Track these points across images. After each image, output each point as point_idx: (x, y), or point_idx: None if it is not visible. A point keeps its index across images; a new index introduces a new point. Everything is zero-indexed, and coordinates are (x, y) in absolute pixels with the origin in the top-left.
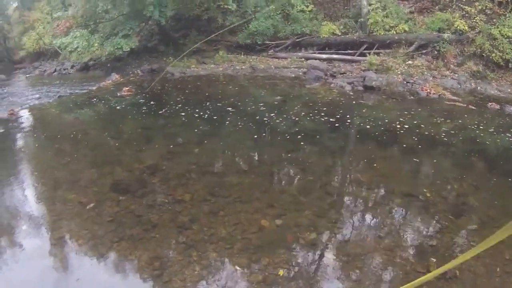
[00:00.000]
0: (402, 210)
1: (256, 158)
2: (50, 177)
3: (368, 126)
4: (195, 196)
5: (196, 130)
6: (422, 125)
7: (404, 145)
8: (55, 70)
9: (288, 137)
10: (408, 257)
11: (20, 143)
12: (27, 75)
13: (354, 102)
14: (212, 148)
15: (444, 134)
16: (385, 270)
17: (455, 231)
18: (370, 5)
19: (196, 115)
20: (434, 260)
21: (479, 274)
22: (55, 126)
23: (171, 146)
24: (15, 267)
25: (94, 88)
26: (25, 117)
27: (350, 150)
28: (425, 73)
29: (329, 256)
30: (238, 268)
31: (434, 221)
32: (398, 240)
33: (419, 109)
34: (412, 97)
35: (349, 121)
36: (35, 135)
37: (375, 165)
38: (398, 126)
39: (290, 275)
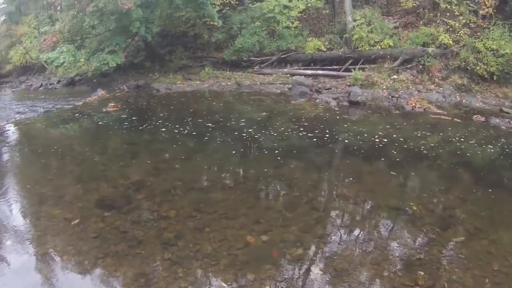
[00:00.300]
0: (389, 224)
1: (242, 174)
2: (35, 192)
3: (353, 141)
4: (181, 212)
5: (181, 146)
6: (407, 139)
7: (390, 159)
8: (41, 85)
9: (273, 152)
10: (396, 270)
11: (5, 157)
12: (13, 89)
13: (339, 117)
14: (197, 164)
15: (430, 147)
16: (373, 285)
17: (443, 243)
18: (355, 21)
19: (182, 131)
20: (422, 273)
21: (468, 286)
22: (40, 141)
23: (157, 162)
24: None
25: (79, 103)
26: (11, 131)
27: (335, 165)
28: (410, 87)
29: (316, 271)
30: (224, 284)
31: (421, 234)
32: (385, 254)
33: (405, 123)
34: (397, 112)
35: (334, 136)
36: (20, 150)
37: (361, 179)
38: (384, 140)
39: None
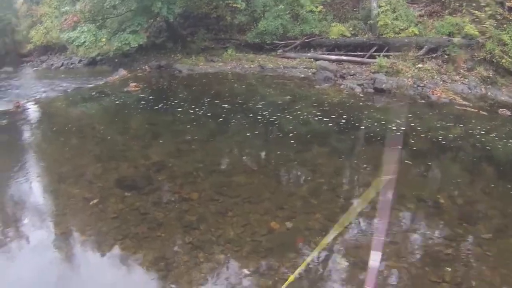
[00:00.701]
0: (415, 216)
1: (264, 158)
2: (55, 171)
3: (378, 129)
4: (203, 195)
5: (203, 128)
6: (433, 129)
7: (415, 149)
8: (62, 64)
9: (296, 137)
10: (422, 265)
11: (25, 135)
12: (34, 68)
13: (363, 104)
14: (219, 147)
15: (454, 139)
16: (398, 279)
17: (470, 239)
18: (379, 7)
19: (203, 113)
20: (449, 269)
21: (495, 285)
22: (61, 120)
23: (178, 143)
24: (17, 259)
25: (101, 83)
26: (31, 109)
27: (359, 152)
28: (435, 77)
29: (340, 261)
30: (246, 271)
31: (448, 228)
32: (411, 247)
33: (430, 113)
34: (423, 101)
35: (359, 123)
36: (40, 128)
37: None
38: (409, 129)
39: (301, 280)
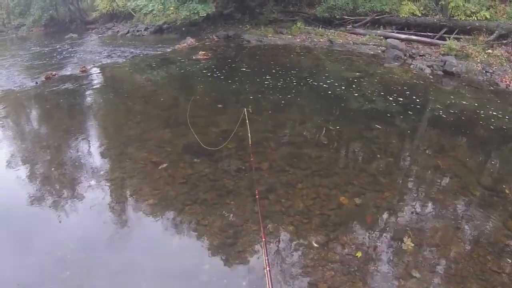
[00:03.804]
0: (481, 204)
1: (333, 132)
2: (122, 134)
3: (447, 113)
4: (273, 165)
5: (271, 98)
6: (503, 118)
7: (484, 137)
8: (128, 32)
9: (364, 114)
10: (485, 254)
11: (91, 99)
12: (99, 35)
13: (432, 86)
14: (288, 118)
15: None
16: (461, 264)
17: None
18: None
19: (272, 84)
20: (510, 261)
21: None
22: (127, 85)
23: (248, 113)
24: (84, 218)
25: (169, 50)
26: (97, 74)
27: (427, 134)
28: (504, 64)
29: (407, 243)
30: (315, 245)
31: None
32: (476, 235)
33: (498, 101)
34: (491, 88)
35: (429, 105)
36: (106, 92)
37: (453, 153)
38: (477, 116)
39: (368, 258)
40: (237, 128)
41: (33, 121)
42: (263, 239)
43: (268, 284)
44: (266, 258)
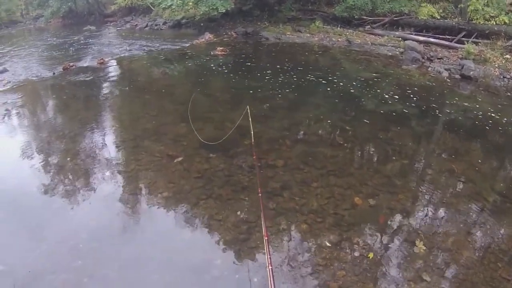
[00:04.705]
0: (494, 210)
1: (349, 132)
2: (139, 127)
3: (463, 117)
4: (288, 163)
5: (288, 96)
6: None
7: (499, 143)
8: (146, 25)
9: (381, 115)
10: (496, 260)
11: (108, 91)
12: (117, 28)
13: (450, 90)
14: (304, 116)
15: None
16: (472, 270)
17: None
18: None
19: (289, 82)
20: None
21: None
22: (144, 78)
23: (263, 110)
24: (98, 208)
25: (187, 45)
26: (115, 67)
27: (442, 138)
28: None
29: (420, 246)
30: (328, 243)
31: None
32: (488, 241)
33: None
34: (508, 94)
35: (445, 109)
36: (123, 85)
37: (467, 157)
38: (493, 121)
39: (380, 259)
40: (254, 124)
41: (49, 111)
42: (265, 237)
43: (270, 282)
44: (268, 256)
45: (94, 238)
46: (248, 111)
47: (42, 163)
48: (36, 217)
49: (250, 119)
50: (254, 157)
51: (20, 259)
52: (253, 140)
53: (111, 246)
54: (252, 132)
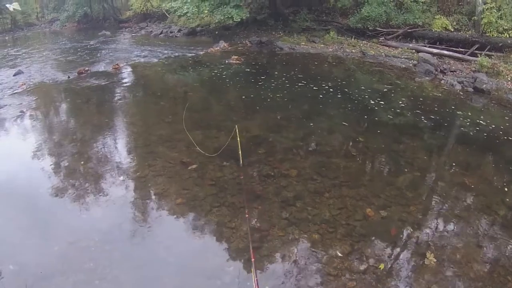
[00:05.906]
0: (505, 223)
1: (362, 144)
2: (153, 133)
3: (475, 130)
4: (302, 172)
5: (303, 107)
6: None
7: (506, 155)
8: (161, 32)
9: (393, 127)
10: (506, 273)
11: (123, 96)
12: (132, 34)
13: (463, 103)
14: (317, 127)
15: None
16: (482, 283)
17: None
18: (485, 3)
19: (303, 92)
20: None
21: None
22: (159, 85)
23: (278, 119)
24: (110, 212)
25: (201, 53)
26: (130, 72)
27: (455, 151)
28: None
29: (430, 258)
30: (339, 254)
31: None
32: (498, 254)
33: None
34: None
35: (457, 121)
36: (138, 91)
37: (479, 171)
38: (505, 135)
39: (391, 271)
40: (268, 134)
41: (64, 115)
42: (252, 259)
43: None
44: (255, 279)
45: (106, 240)
46: (237, 130)
47: (56, 166)
48: (48, 219)
49: (238, 138)
50: (242, 177)
51: (32, 260)
52: (241, 161)
53: (123, 249)
54: (240, 152)
